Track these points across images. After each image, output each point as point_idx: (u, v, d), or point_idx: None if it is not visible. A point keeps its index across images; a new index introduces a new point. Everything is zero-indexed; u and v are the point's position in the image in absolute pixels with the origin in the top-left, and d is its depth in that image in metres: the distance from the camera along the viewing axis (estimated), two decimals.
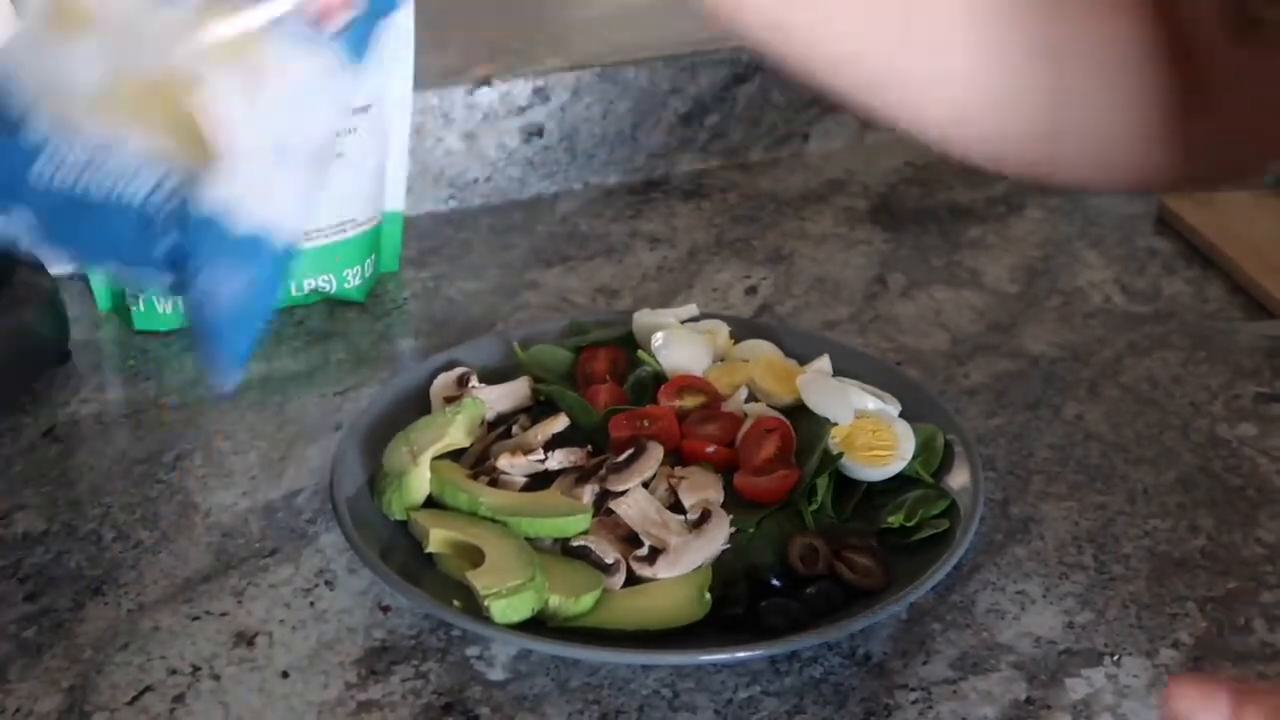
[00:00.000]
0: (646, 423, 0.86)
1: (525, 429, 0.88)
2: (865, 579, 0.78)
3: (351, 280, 1.06)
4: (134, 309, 1.02)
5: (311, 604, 0.80)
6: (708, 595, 0.76)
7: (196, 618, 0.80)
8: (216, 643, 0.78)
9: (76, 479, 0.90)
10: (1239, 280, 1.08)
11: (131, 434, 0.94)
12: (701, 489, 0.81)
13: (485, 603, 0.74)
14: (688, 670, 0.76)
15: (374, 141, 1.05)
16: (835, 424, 0.85)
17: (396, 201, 1.09)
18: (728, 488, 0.82)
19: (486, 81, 1.17)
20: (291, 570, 0.83)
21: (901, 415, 0.88)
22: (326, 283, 1.05)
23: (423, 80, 1.10)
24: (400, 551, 0.81)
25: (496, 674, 0.76)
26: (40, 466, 0.91)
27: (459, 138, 1.17)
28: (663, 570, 0.78)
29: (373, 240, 1.07)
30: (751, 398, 0.89)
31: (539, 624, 0.76)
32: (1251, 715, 0.47)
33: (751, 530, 0.81)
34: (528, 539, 0.79)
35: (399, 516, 0.82)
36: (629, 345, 0.94)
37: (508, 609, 0.74)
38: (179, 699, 0.75)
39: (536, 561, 0.77)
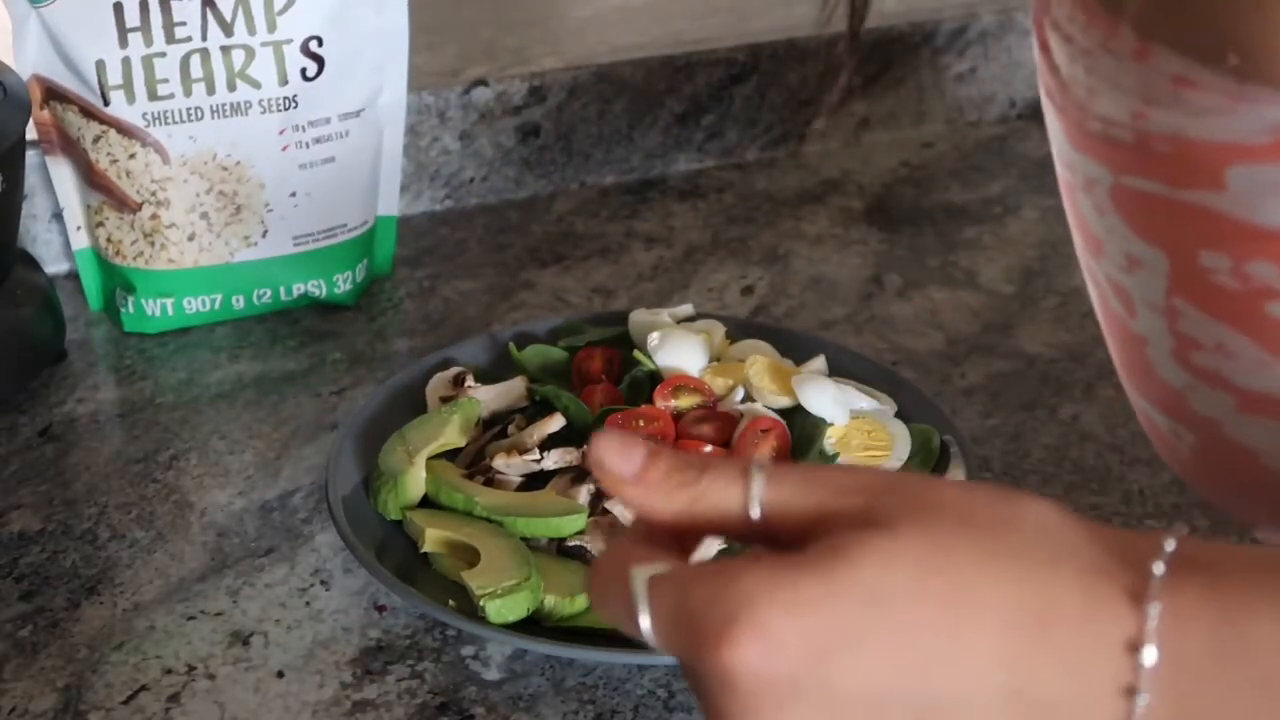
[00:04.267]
0: (642, 423, 0.86)
1: (521, 429, 0.88)
2: None
3: (342, 285, 1.06)
4: (123, 311, 1.02)
5: (307, 604, 0.80)
6: None
7: (192, 617, 0.80)
8: (212, 642, 0.78)
9: (72, 478, 0.90)
10: None
11: (127, 433, 0.93)
12: None
13: (481, 602, 0.74)
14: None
15: (367, 146, 1.05)
16: (831, 424, 0.85)
17: (390, 206, 1.09)
18: None
19: (482, 81, 1.17)
20: (287, 570, 0.83)
21: (897, 416, 0.88)
22: (316, 287, 1.05)
23: (418, 80, 1.10)
24: (396, 551, 0.81)
25: (492, 674, 0.76)
26: (36, 466, 0.91)
27: (455, 137, 1.17)
28: None
29: (365, 245, 1.07)
30: (747, 398, 0.88)
31: (534, 624, 0.76)
32: (659, 463, 0.47)
33: None
34: (523, 539, 0.79)
35: (394, 516, 0.82)
36: (625, 345, 0.94)
37: (503, 609, 0.74)
38: (174, 698, 0.75)
39: (532, 561, 0.77)
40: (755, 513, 0.46)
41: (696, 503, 0.47)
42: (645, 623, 0.46)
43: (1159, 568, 0.44)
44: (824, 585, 0.43)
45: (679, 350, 0.91)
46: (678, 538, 0.48)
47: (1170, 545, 0.44)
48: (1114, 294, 0.63)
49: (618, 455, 0.48)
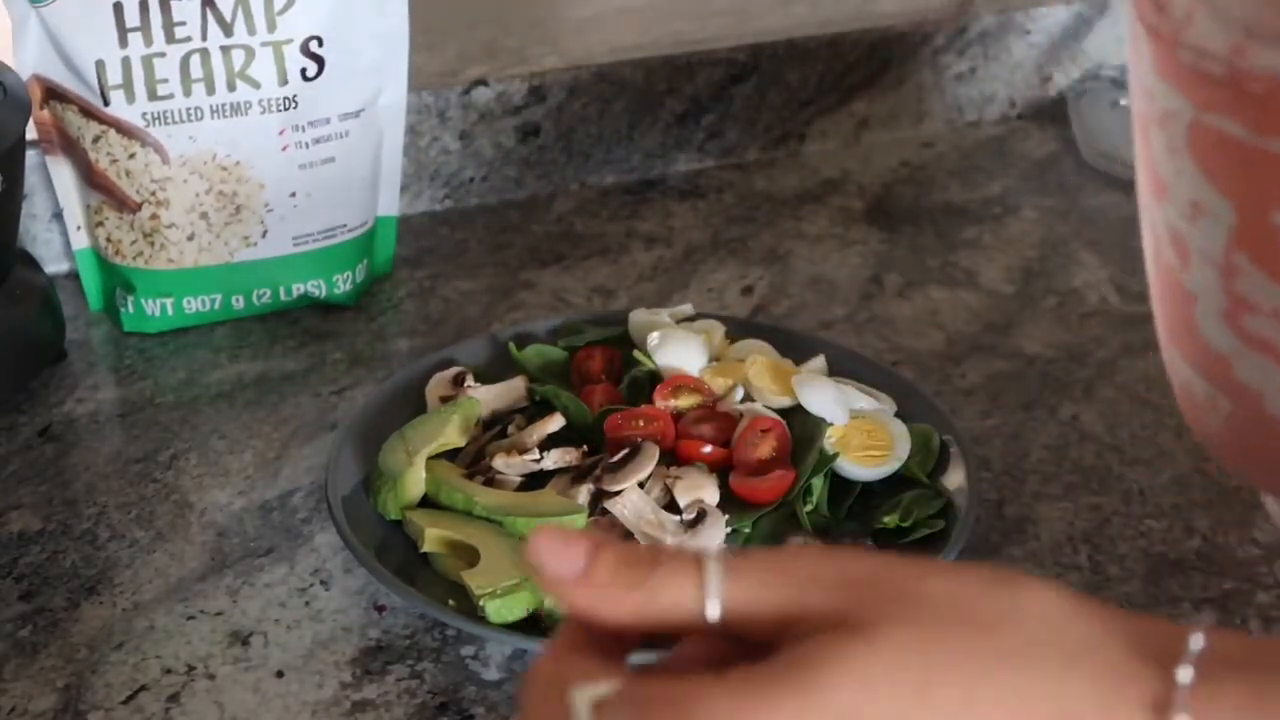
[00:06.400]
0: (642, 423, 0.86)
1: (520, 429, 0.88)
2: None
3: (342, 285, 1.06)
4: (123, 310, 1.02)
5: (307, 603, 0.80)
6: None
7: (192, 617, 0.80)
8: (211, 642, 0.78)
9: (72, 478, 0.90)
10: None
11: (127, 433, 0.93)
12: (697, 489, 0.81)
13: (480, 602, 0.74)
14: None
15: (367, 147, 1.05)
16: (831, 424, 0.85)
17: (390, 206, 1.09)
18: (723, 488, 0.82)
19: (482, 81, 1.17)
20: (287, 570, 0.83)
21: (897, 415, 0.88)
22: (316, 287, 1.05)
23: (418, 80, 1.10)
24: (395, 551, 0.81)
25: (491, 674, 0.76)
26: (36, 465, 0.91)
27: (455, 137, 1.17)
28: None
29: (365, 245, 1.07)
30: (747, 398, 0.88)
31: (534, 624, 0.76)
32: (605, 560, 0.43)
33: (747, 530, 0.81)
34: (523, 539, 0.79)
35: (394, 516, 0.82)
36: (624, 345, 0.94)
37: (503, 609, 0.74)
38: (174, 698, 0.75)
39: None
40: (714, 612, 0.41)
41: (648, 604, 0.42)
42: None
43: (1185, 674, 0.40)
44: (797, 705, 0.38)
45: (679, 350, 0.91)
46: (620, 638, 0.43)
47: (1197, 643, 0.41)
48: (1170, 242, 0.58)
49: (556, 555, 0.43)
